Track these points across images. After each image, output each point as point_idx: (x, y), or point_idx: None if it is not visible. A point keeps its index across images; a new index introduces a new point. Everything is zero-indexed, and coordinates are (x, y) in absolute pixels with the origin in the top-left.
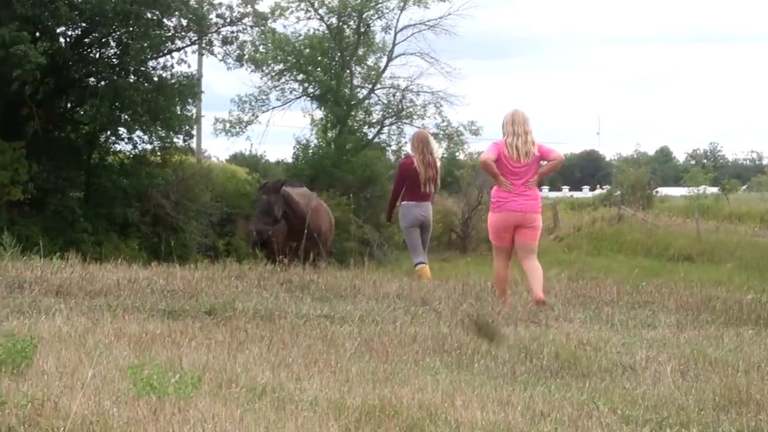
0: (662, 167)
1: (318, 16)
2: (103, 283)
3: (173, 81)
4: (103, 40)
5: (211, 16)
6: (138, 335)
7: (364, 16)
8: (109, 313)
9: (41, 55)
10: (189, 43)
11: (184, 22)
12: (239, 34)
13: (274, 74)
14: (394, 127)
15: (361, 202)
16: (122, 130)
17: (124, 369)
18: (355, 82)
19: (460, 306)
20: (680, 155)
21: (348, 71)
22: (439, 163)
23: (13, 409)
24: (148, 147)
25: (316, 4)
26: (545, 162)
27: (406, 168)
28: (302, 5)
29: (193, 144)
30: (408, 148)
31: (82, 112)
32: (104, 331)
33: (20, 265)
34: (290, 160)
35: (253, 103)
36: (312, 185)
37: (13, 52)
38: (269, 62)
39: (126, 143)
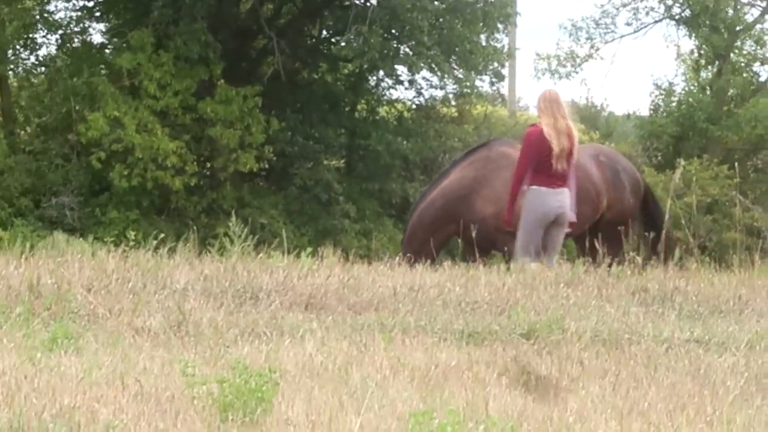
0: None
1: None
2: (374, 293)
3: None
4: None
5: None
6: (424, 368)
7: None
8: (383, 335)
9: None
10: None
11: None
12: None
13: None
14: None
15: (749, 174)
16: (401, 70)
17: (405, 417)
18: None
19: None
20: None
21: None
22: (576, 133)
23: None
24: (439, 94)
25: None
26: None
27: (534, 139)
28: None
29: (504, 89)
30: None
31: (343, 44)
32: (375, 361)
33: (254, 266)
34: (646, 113)
35: (591, 30)
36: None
37: None
38: None
39: (406, 88)
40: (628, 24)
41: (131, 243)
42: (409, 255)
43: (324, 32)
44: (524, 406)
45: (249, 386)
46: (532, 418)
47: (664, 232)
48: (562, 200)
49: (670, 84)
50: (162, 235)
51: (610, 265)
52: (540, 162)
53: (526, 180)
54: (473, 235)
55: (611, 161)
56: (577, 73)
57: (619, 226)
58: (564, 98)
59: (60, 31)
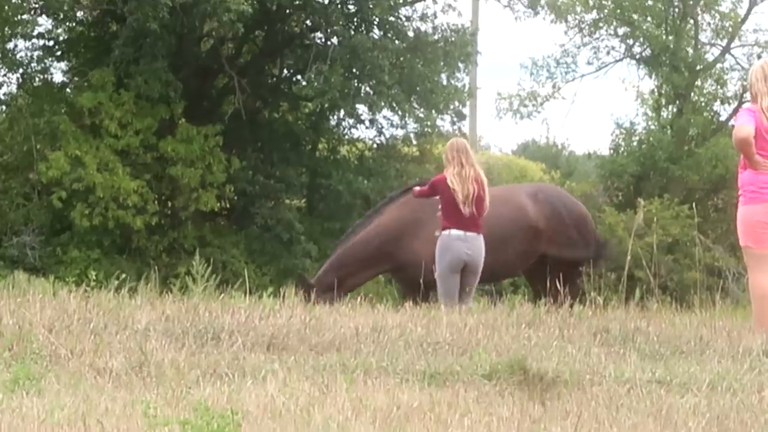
0: None
1: None
2: (335, 333)
3: (436, 37)
4: None
5: None
6: (386, 409)
7: None
8: (345, 376)
9: (245, 1)
10: None
11: None
12: None
13: (583, 27)
14: None
15: (709, 213)
16: (362, 109)
17: None
18: (703, 38)
19: None
20: None
21: (691, 21)
22: (484, 179)
23: None
24: (399, 133)
25: None
26: None
27: (439, 185)
28: None
29: (466, 129)
30: None
31: (304, 83)
32: (337, 402)
33: (215, 306)
34: (607, 152)
35: (552, 69)
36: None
37: None
38: (576, 9)
39: (367, 128)
40: (589, 63)
41: (92, 283)
42: (315, 289)
43: (285, 71)
44: None
45: (211, 428)
46: None
47: (625, 271)
48: (473, 246)
49: (631, 123)
50: (123, 275)
51: (565, 304)
52: (448, 208)
53: (439, 226)
54: (410, 275)
55: (550, 198)
56: (539, 112)
57: (570, 263)
58: (470, 147)
59: (21, 70)
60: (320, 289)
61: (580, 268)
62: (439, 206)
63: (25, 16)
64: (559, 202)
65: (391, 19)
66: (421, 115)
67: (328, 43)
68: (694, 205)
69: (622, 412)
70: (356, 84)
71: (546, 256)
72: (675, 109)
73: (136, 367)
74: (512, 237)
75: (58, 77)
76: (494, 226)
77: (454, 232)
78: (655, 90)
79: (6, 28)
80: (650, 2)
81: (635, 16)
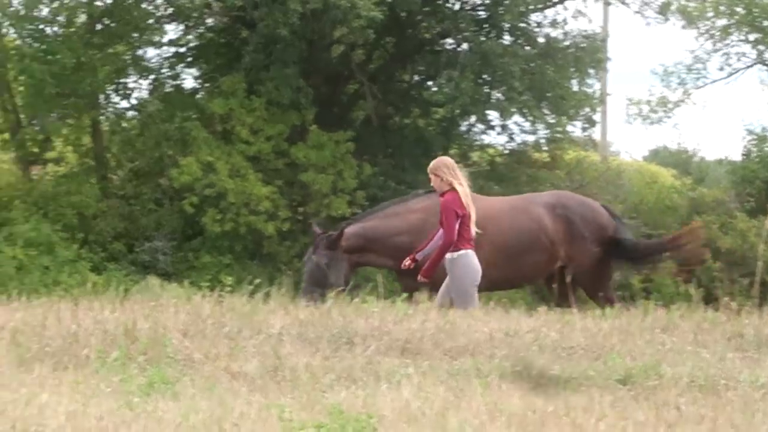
0: None
1: None
2: (470, 338)
3: (567, 43)
4: None
5: None
6: (521, 413)
7: None
8: (479, 381)
9: (375, 7)
10: None
11: None
12: None
13: (714, 32)
14: None
15: None
16: (492, 115)
17: None
18: None
19: None
20: None
21: None
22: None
23: None
24: (530, 139)
25: None
26: None
27: (458, 204)
28: None
29: (596, 135)
30: None
31: (434, 89)
32: (472, 407)
33: (349, 311)
34: (738, 158)
35: (683, 76)
36: None
37: (334, 3)
38: (708, 15)
39: (498, 133)
40: (720, 69)
41: (226, 288)
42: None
43: (415, 77)
44: None
45: (346, 431)
46: None
47: (757, 276)
48: None
49: (763, 129)
50: (256, 280)
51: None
52: (463, 226)
53: (456, 245)
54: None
55: (567, 211)
56: (669, 118)
57: (590, 276)
58: None
59: (152, 76)
60: (331, 246)
61: (607, 276)
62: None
63: (151, 22)
64: (576, 217)
65: (522, 25)
66: (552, 121)
67: (459, 49)
68: None
69: (758, 417)
70: (487, 90)
71: (568, 269)
72: None
73: (270, 371)
74: (529, 248)
75: (188, 83)
76: (511, 236)
77: (471, 251)
78: None
79: (137, 35)
80: None
81: (766, 23)
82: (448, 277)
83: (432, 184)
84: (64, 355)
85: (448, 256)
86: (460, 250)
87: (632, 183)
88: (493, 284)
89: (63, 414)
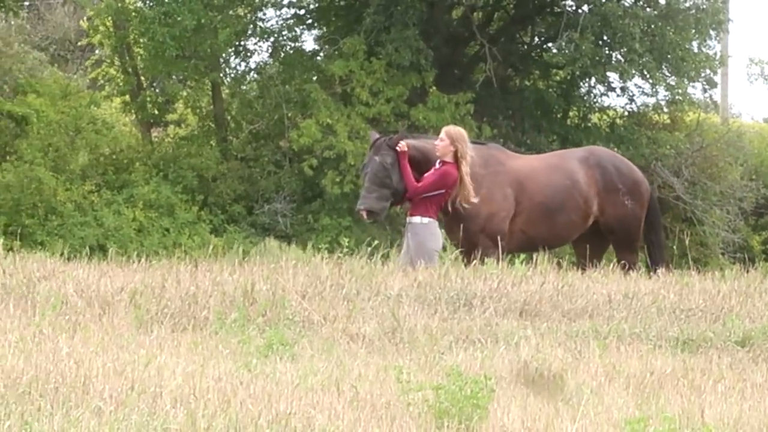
0: None
1: None
2: (588, 299)
3: (687, 5)
4: None
5: None
6: (639, 375)
7: None
8: (597, 342)
9: None
10: None
11: None
12: None
13: None
14: None
15: None
16: (613, 77)
17: (621, 424)
18: None
19: None
20: None
21: None
22: None
23: None
24: (651, 101)
25: None
26: None
27: (452, 180)
28: None
29: (717, 96)
30: None
31: (554, 51)
32: (590, 368)
33: (468, 273)
34: None
35: None
36: None
37: None
38: None
39: (618, 95)
40: None
41: (344, 250)
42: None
43: (536, 39)
44: (740, 413)
45: (464, 393)
46: (748, 426)
47: None
48: None
49: None
50: (375, 242)
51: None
52: (441, 201)
53: (428, 212)
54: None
55: (602, 162)
56: None
57: (621, 232)
58: None
59: (272, 39)
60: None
61: (635, 237)
62: (434, 192)
63: None
64: (611, 167)
65: None
66: (672, 83)
67: (579, 10)
68: None
69: None
70: (607, 52)
71: (598, 224)
72: None
73: (388, 333)
74: (563, 206)
75: (308, 45)
76: (545, 195)
77: (436, 222)
78: None
79: None
80: None
81: None
82: (409, 241)
83: (437, 144)
84: (182, 316)
85: (416, 220)
86: (430, 217)
87: (753, 145)
88: (529, 243)
89: (181, 375)
